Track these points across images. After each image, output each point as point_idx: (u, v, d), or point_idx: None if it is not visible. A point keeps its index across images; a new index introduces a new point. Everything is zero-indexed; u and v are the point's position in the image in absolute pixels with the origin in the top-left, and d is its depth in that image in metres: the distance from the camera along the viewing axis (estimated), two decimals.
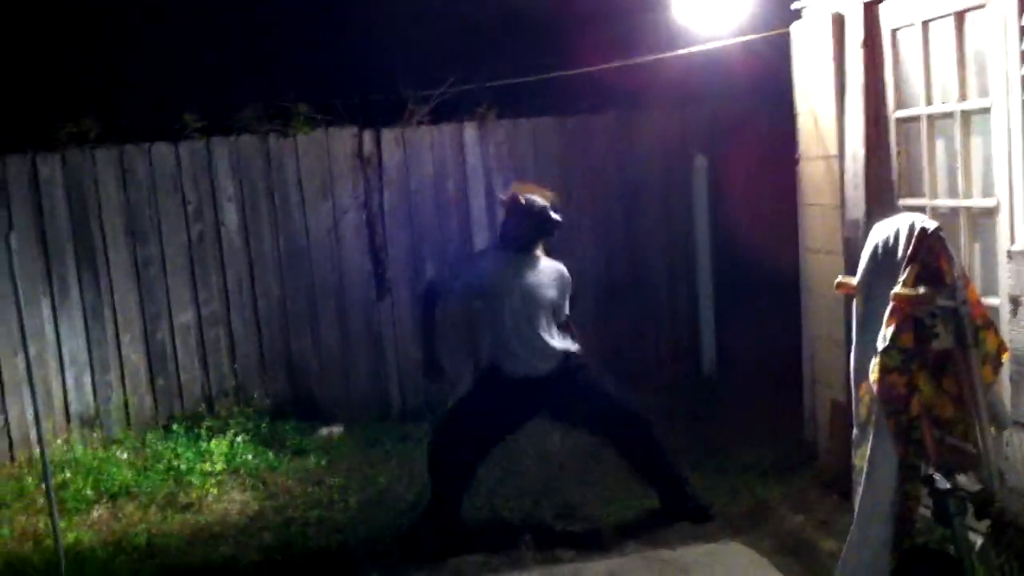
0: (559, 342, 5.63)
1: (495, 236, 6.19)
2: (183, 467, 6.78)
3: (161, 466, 6.84)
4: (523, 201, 5.61)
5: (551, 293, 5.64)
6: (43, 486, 5.50)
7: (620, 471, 6.00)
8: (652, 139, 8.20)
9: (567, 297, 5.74)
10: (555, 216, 5.63)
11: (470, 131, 8.10)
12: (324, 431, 7.46)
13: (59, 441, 7.23)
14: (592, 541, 5.40)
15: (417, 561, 5.29)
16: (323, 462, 6.92)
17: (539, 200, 5.63)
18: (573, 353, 5.66)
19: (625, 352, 7.88)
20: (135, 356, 7.68)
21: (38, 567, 5.43)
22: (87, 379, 7.57)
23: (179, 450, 7.03)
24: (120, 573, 5.37)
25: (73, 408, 7.52)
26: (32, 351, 5.41)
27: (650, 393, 6.85)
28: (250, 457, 6.93)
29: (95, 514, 6.25)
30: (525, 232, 5.62)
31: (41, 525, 5.93)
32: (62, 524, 5.86)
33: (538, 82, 7.69)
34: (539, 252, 5.68)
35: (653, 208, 8.25)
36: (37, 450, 6.74)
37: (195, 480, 6.61)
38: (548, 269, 5.68)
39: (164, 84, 8.44)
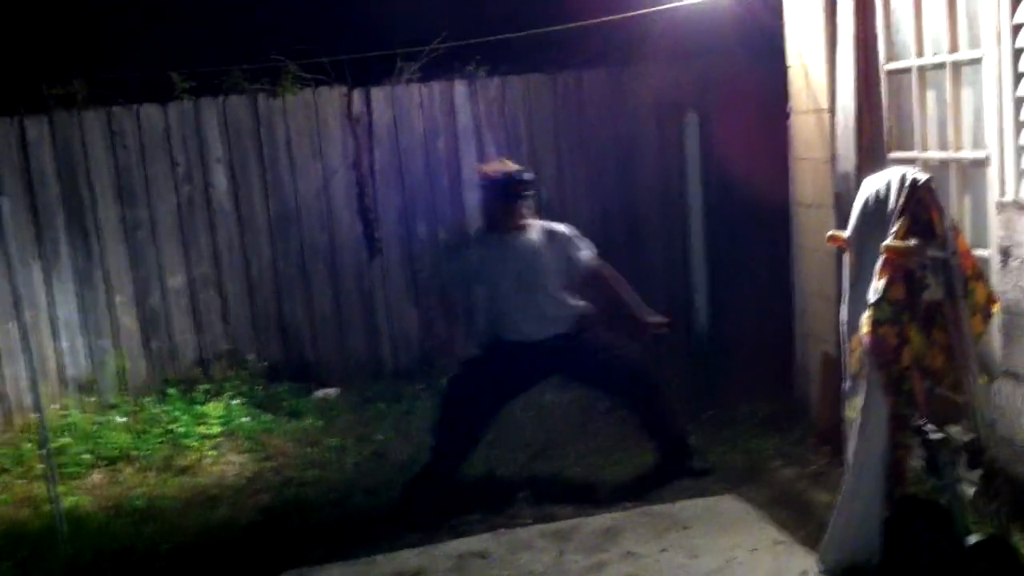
0: (566, 307, 5.64)
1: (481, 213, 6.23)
2: (179, 430, 6.81)
3: (157, 430, 6.87)
4: (489, 174, 5.65)
5: (549, 260, 5.64)
6: (40, 452, 5.51)
7: (617, 425, 6.04)
8: (645, 95, 8.15)
9: (575, 248, 5.71)
10: (524, 176, 5.62)
11: (460, 89, 8.05)
12: (320, 393, 7.49)
13: (55, 406, 7.25)
14: (589, 497, 5.43)
15: (414, 519, 5.31)
16: (319, 423, 6.95)
17: (503, 168, 5.65)
18: (582, 315, 5.66)
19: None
20: (128, 320, 7.68)
21: (37, 532, 5.45)
22: (80, 344, 7.58)
23: (175, 413, 7.06)
24: (119, 536, 5.38)
25: (68, 373, 7.54)
26: (25, 317, 5.39)
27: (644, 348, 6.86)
28: (246, 419, 6.97)
29: (93, 478, 6.28)
30: (501, 205, 5.63)
31: (39, 490, 5.95)
32: (60, 489, 5.85)
33: (529, 39, 7.62)
34: (525, 221, 5.66)
35: (646, 164, 8.22)
36: (33, 416, 6.75)
37: (192, 443, 6.65)
38: (538, 236, 5.67)
39: (152, 45, 8.38)
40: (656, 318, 5.74)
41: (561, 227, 5.77)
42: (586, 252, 5.74)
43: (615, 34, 7.51)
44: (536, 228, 5.70)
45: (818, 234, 5.27)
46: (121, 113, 7.65)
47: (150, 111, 7.70)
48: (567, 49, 8.04)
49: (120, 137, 7.64)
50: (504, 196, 5.62)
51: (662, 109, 8.12)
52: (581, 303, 5.69)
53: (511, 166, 5.72)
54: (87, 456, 6.51)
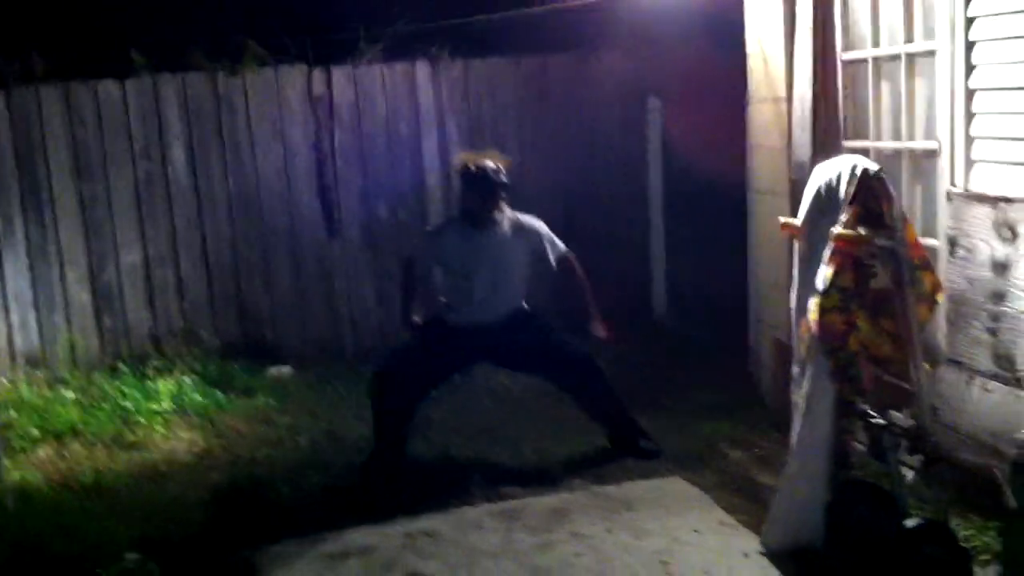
0: (517, 301, 5.73)
1: (456, 205, 6.19)
2: (130, 406, 6.74)
3: (108, 406, 6.79)
4: (473, 168, 5.63)
5: (520, 255, 5.70)
6: None
7: (570, 408, 6.05)
8: (608, 80, 8.16)
9: (546, 243, 5.75)
10: (501, 181, 5.60)
11: (423, 70, 8.02)
12: (273, 370, 7.44)
13: (3, 380, 7.17)
14: (540, 478, 5.44)
15: (367, 499, 5.30)
16: (272, 402, 6.91)
17: (489, 165, 5.62)
18: (520, 307, 5.73)
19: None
20: (81, 295, 7.61)
21: None
22: (32, 318, 7.49)
23: (126, 390, 6.98)
24: (67, 511, 5.32)
25: (18, 347, 7.46)
26: None
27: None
28: (198, 397, 6.91)
29: (40, 453, 6.20)
30: (480, 201, 5.63)
31: None
32: (7, 463, 5.83)
33: (494, 24, 7.61)
34: (500, 215, 5.67)
35: (609, 149, 8.25)
36: None
37: (142, 419, 6.58)
38: (512, 231, 5.69)
39: (112, 21, 8.28)
40: (602, 330, 5.77)
41: (533, 221, 5.79)
42: (556, 248, 5.78)
43: (580, 20, 7.51)
44: (509, 221, 5.71)
45: (773, 221, 5.30)
46: (79, 89, 7.56)
47: (108, 87, 7.62)
48: (532, 34, 8.04)
49: (78, 113, 7.55)
50: (485, 191, 5.61)
51: (625, 95, 8.14)
52: (521, 302, 5.78)
53: (494, 160, 5.68)
54: (35, 431, 6.42)
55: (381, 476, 5.51)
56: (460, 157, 5.95)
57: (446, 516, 5.04)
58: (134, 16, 8.37)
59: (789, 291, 4.78)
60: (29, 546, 4.83)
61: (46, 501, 5.48)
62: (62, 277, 7.56)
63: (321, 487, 5.52)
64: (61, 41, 7.69)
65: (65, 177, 7.53)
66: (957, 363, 4.57)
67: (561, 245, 5.80)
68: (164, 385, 7.01)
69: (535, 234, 5.77)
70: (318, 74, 7.85)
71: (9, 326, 7.42)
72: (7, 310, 7.41)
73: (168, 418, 6.64)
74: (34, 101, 7.47)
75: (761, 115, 6.10)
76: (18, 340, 7.45)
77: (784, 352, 5.68)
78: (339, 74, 7.88)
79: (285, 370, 7.46)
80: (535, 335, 5.73)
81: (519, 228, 5.73)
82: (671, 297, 8.20)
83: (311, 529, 4.98)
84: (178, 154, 7.74)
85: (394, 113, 7.99)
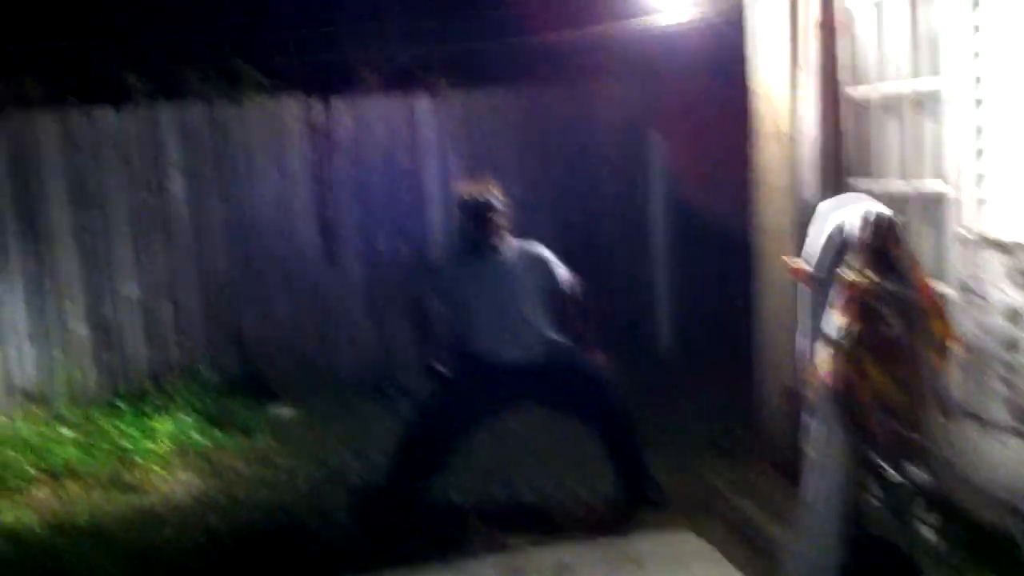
0: (538, 330, 5.56)
1: (457, 236, 6.06)
2: (128, 445, 6.64)
3: (106, 444, 6.68)
4: (468, 198, 5.56)
5: (525, 282, 5.57)
6: None
7: (577, 449, 5.94)
8: (611, 113, 8.11)
9: (552, 267, 5.64)
10: (492, 210, 5.48)
11: (423, 100, 7.97)
12: (273, 409, 7.33)
13: (0, 416, 7.08)
14: (545, 526, 5.33)
15: (365, 544, 5.20)
16: (272, 442, 6.80)
17: (484, 193, 5.53)
18: (555, 340, 5.58)
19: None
20: (78, 328, 7.51)
21: None
22: (29, 352, 7.39)
23: (124, 428, 6.88)
24: (59, 555, 5.23)
25: (15, 382, 7.35)
26: None
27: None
28: (197, 436, 6.81)
29: (36, 493, 6.10)
30: (478, 229, 5.52)
31: None
32: (1, 503, 5.74)
33: (495, 53, 7.55)
34: (501, 244, 5.57)
35: (610, 182, 8.19)
36: None
37: (140, 459, 6.48)
38: (516, 257, 5.58)
39: (110, 47, 8.20)
40: (599, 362, 5.64)
41: (537, 247, 5.69)
42: (563, 272, 5.67)
43: (582, 51, 7.44)
44: (514, 248, 5.61)
45: (779, 261, 5.22)
46: (75, 115, 7.49)
47: (106, 114, 7.54)
48: (533, 65, 7.97)
49: (73, 139, 7.47)
50: (481, 219, 5.52)
51: (627, 128, 8.07)
52: (554, 332, 5.61)
53: (491, 189, 5.60)
54: (31, 470, 6.32)
55: (382, 519, 5.39)
56: (459, 188, 5.87)
57: (449, 568, 4.93)
58: (133, 42, 8.29)
59: (795, 333, 4.71)
60: None
61: (39, 545, 5.38)
62: (59, 309, 7.46)
63: (319, 533, 5.40)
64: (57, 66, 7.61)
65: (61, 206, 7.45)
66: (972, 414, 4.48)
67: (565, 270, 5.70)
68: (162, 423, 6.90)
69: (540, 258, 5.66)
70: (317, 103, 7.78)
71: (6, 359, 7.32)
72: (3, 343, 7.31)
73: (166, 458, 6.53)
74: (29, 128, 7.38)
75: (765, 152, 6.00)
76: (15, 374, 7.35)
77: (791, 396, 5.59)
78: (339, 104, 7.81)
79: (285, 410, 7.35)
80: (568, 371, 5.54)
81: (523, 254, 5.62)
82: (672, 334, 8.09)
83: None
84: (176, 183, 7.66)
85: (393, 143, 7.94)
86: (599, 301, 6.00)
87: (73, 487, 6.18)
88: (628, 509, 5.45)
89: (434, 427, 5.47)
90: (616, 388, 5.67)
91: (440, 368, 5.60)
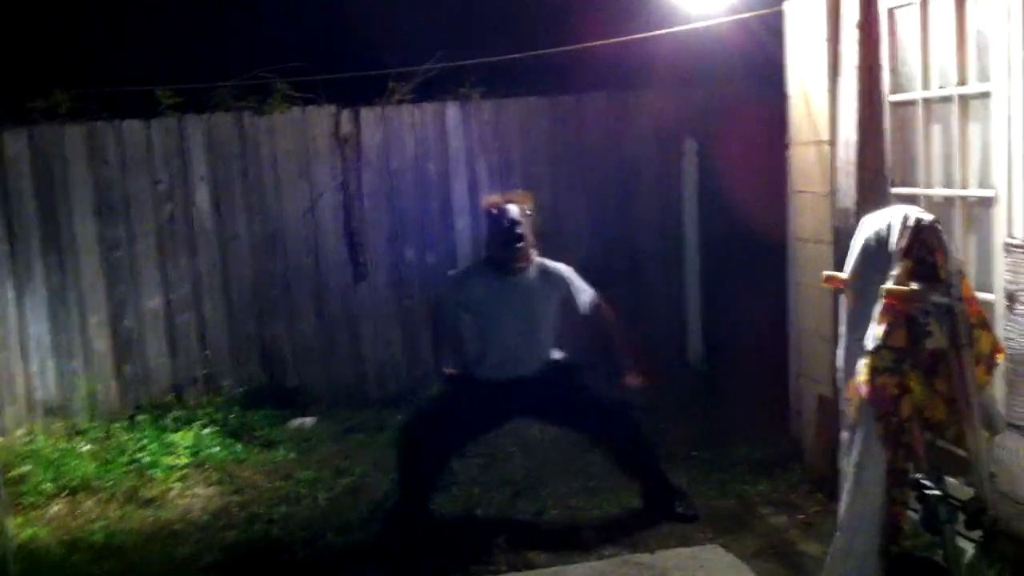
0: (549, 349, 5.49)
1: (484, 249, 5.95)
2: (146, 460, 6.53)
3: (124, 459, 6.58)
4: (495, 212, 5.45)
5: (546, 305, 5.48)
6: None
7: (602, 464, 5.79)
8: (644, 121, 7.96)
9: (574, 291, 5.52)
10: (516, 230, 5.36)
11: (453, 111, 7.85)
12: (296, 422, 7.21)
13: (20, 431, 7.00)
14: (570, 542, 5.16)
15: (387, 562, 5.05)
16: (293, 454, 6.67)
17: (512, 209, 5.41)
18: (557, 360, 5.49)
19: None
20: (101, 342, 7.42)
21: None
22: (51, 366, 7.31)
23: (144, 442, 6.78)
24: (75, 573, 5.12)
25: (37, 396, 7.27)
26: None
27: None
28: (216, 449, 6.69)
29: (53, 509, 5.99)
30: (508, 243, 5.40)
31: None
32: (18, 520, 5.66)
33: (527, 61, 7.41)
34: (525, 261, 5.44)
35: (645, 192, 8.02)
36: None
37: (158, 474, 6.37)
38: (539, 278, 5.48)
39: (138, 59, 8.18)
40: (635, 378, 5.49)
41: (561, 268, 5.57)
42: (585, 294, 5.53)
43: (616, 58, 7.28)
44: (537, 267, 5.50)
45: (816, 271, 5.04)
46: (103, 128, 7.44)
47: (133, 126, 7.49)
48: (566, 73, 7.84)
49: (101, 152, 7.42)
50: (506, 239, 5.39)
51: (661, 136, 7.93)
52: (559, 353, 5.53)
53: (521, 203, 5.47)
54: (48, 485, 6.20)
55: (402, 533, 5.26)
56: (488, 199, 5.74)
57: None
58: (161, 55, 8.26)
59: (833, 345, 4.51)
60: None
61: (54, 562, 5.28)
62: (82, 323, 7.38)
63: (339, 549, 5.28)
64: (86, 79, 7.57)
65: (87, 219, 7.39)
66: (1017, 428, 4.26)
67: (591, 291, 5.56)
68: (182, 437, 6.79)
69: (563, 281, 5.53)
70: (346, 114, 7.71)
71: (28, 374, 7.24)
72: (26, 357, 7.23)
73: (185, 472, 6.41)
74: (57, 141, 7.33)
75: (803, 159, 5.82)
76: (37, 388, 7.26)
77: (828, 408, 5.40)
78: (367, 114, 7.73)
79: (308, 421, 7.22)
80: (569, 388, 5.46)
81: (546, 275, 5.51)
82: (707, 345, 7.91)
83: None
84: (202, 195, 7.59)
85: (423, 154, 7.82)
86: (633, 314, 5.86)
87: (90, 503, 6.06)
88: (654, 523, 5.28)
89: (432, 440, 5.37)
90: (627, 409, 5.58)
91: (451, 381, 5.54)
